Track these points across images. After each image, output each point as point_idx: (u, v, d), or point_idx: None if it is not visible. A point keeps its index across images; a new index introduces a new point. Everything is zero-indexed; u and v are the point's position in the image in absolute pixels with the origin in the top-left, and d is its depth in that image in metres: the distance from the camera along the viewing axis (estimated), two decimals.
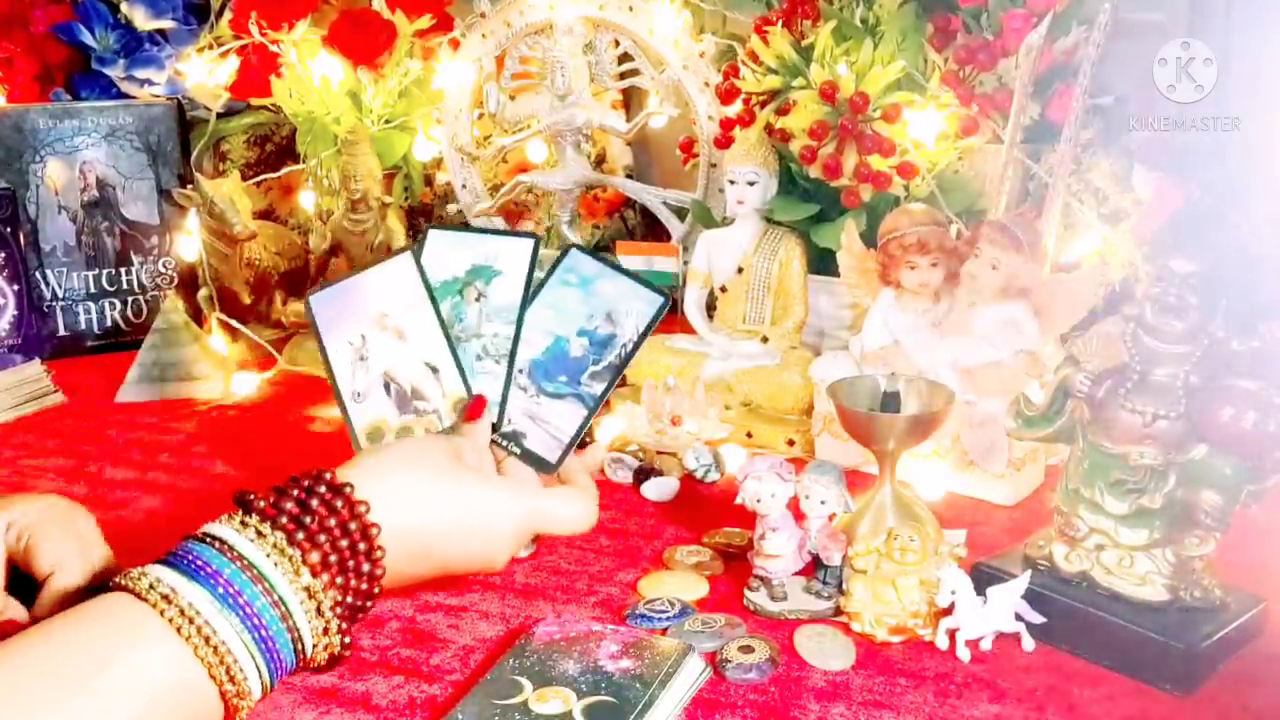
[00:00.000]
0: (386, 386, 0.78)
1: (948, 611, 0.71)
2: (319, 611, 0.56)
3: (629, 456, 1.00)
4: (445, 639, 0.73)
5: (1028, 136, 1.08)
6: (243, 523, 0.57)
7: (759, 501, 0.76)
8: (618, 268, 0.81)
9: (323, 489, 0.59)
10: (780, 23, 1.18)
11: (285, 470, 1.07)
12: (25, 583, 0.62)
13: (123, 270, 1.47)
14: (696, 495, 0.97)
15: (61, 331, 1.45)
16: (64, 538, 0.63)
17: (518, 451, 0.78)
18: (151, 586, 0.53)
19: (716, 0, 1.37)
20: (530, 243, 0.81)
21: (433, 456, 0.68)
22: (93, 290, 1.46)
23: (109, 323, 1.48)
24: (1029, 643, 0.70)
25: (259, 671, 0.54)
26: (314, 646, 0.57)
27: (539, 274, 0.82)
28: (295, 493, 0.59)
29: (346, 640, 0.58)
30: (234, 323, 1.37)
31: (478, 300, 0.80)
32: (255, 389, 1.28)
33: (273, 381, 1.32)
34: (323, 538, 0.57)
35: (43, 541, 0.62)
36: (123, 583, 0.54)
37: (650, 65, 1.32)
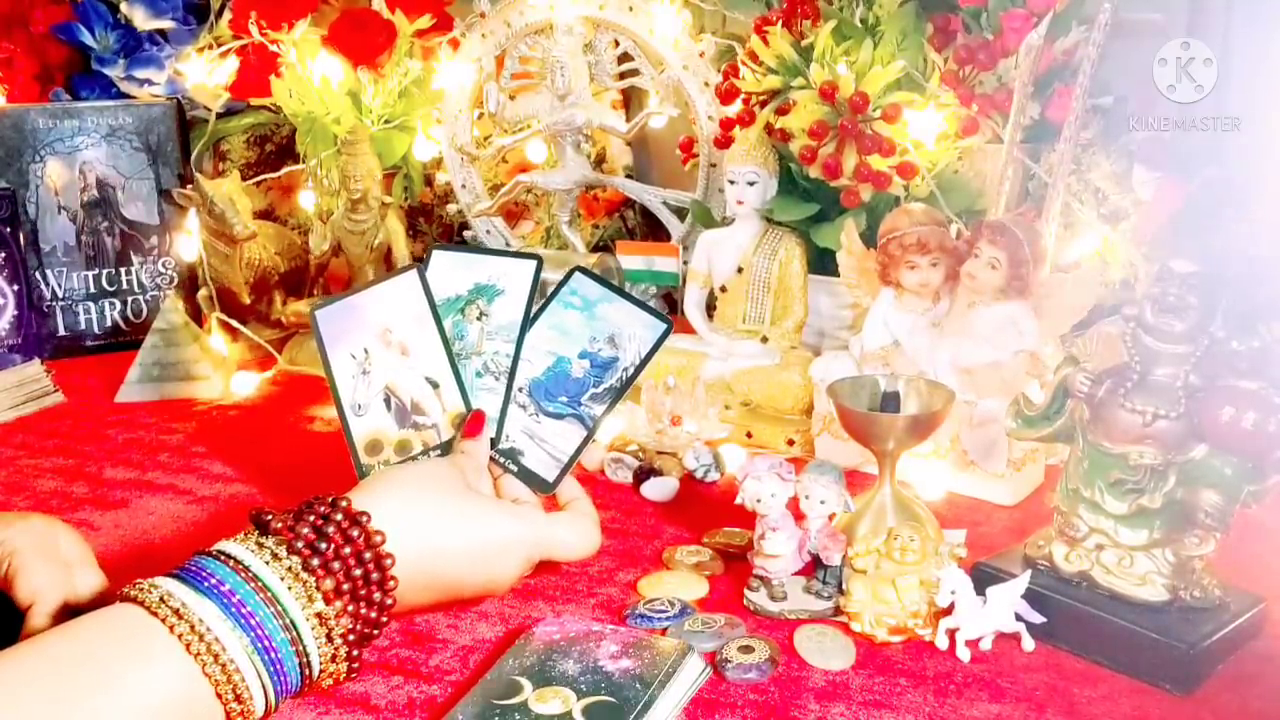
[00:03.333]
0: (387, 401, 0.78)
1: (948, 611, 0.71)
2: (329, 638, 0.56)
3: (629, 456, 1.00)
4: (444, 639, 0.73)
5: (1028, 136, 1.08)
6: (258, 543, 0.57)
7: (759, 501, 0.76)
8: (621, 292, 0.81)
9: (339, 516, 0.59)
10: (780, 23, 1.18)
11: (286, 470, 1.07)
12: (9, 605, 0.61)
13: (123, 270, 1.47)
14: (696, 495, 0.97)
15: (61, 331, 1.45)
16: (43, 566, 0.62)
17: (515, 469, 0.79)
18: (162, 600, 0.53)
19: (716, 0, 1.37)
20: (533, 264, 0.82)
21: (444, 483, 0.68)
22: (93, 290, 1.46)
23: (109, 323, 1.48)
24: (1029, 643, 0.70)
25: (265, 692, 0.54)
26: (321, 671, 0.57)
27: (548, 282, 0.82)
28: (312, 518, 0.59)
29: (355, 666, 0.59)
30: (234, 323, 1.37)
31: (479, 319, 0.81)
32: (255, 389, 1.28)
33: (273, 381, 1.32)
34: (337, 565, 0.57)
35: (20, 571, 0.61)
36: (131, 594, 0.54)
37: (650, 65, 1.32)
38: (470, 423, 0.78)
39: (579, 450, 0.79)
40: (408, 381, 0.79)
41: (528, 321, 0.81)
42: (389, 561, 0.60)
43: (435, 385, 0.79)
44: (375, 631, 0.60)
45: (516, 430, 0.80)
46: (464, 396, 0.79)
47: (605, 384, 0.79)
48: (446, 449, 0.78)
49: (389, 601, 0.60)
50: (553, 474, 0.78)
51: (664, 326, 0.80)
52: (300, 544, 0.57)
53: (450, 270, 0.82)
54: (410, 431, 0.78)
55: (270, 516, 0.59)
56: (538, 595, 0.79)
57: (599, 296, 0.81)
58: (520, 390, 0.80)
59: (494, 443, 0.79)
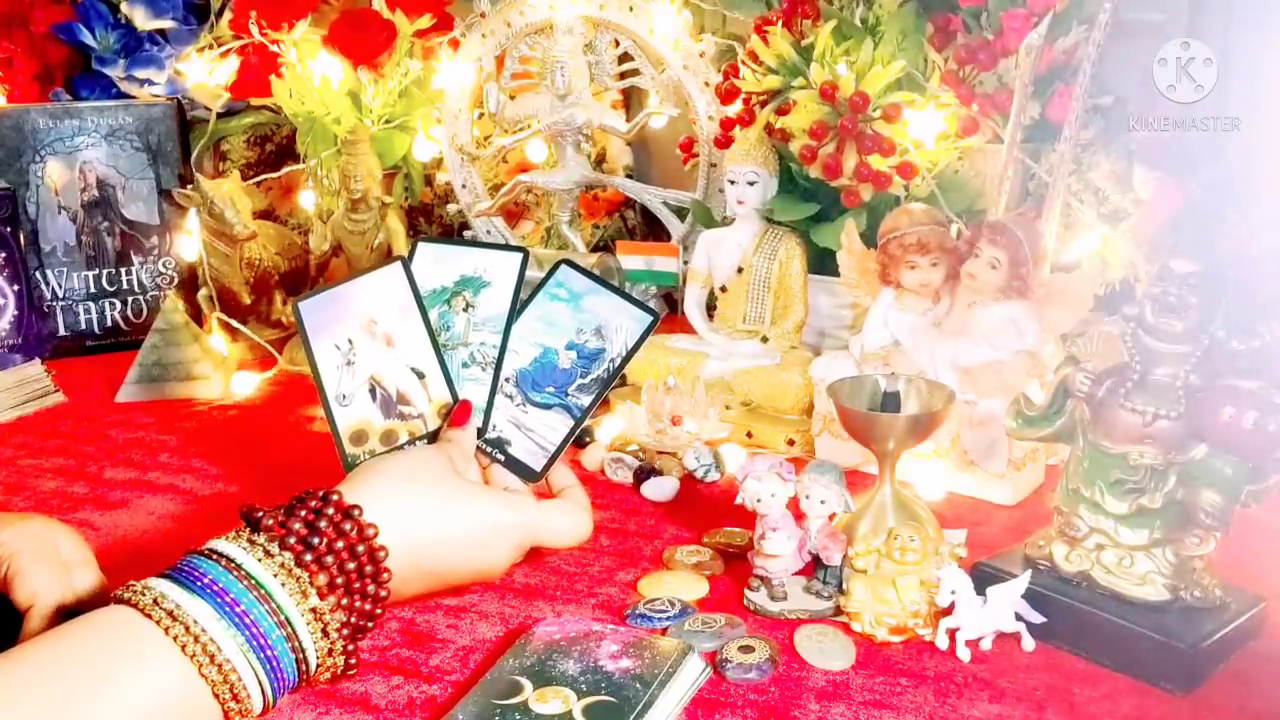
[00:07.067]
0: (372, 391, 0.79)
1: (948, 611, 0.70)
2: (324, 632, 0.56)
3: (629, 456, 1.00)
4: (445, 639, 0.73)
5: (1028, 136, 1.08)
6: (250, 540, 0.57)
7: (759, 501, 0.76)
8: (608, 284, 0.82)
9: (331, 511, 0.59)
10: (780, 23, 1.18)
11: (285, 470, 1.07)
12: (9, 607, 0.61)
13: (123, 270, 1.48)
14: (696, 495, 0.97)
15: (61, 331, 1.45)
16: (43, 568, 0.62)
17: (502, 458, 0.79)
18: (155, 602, 0.53)
19: (716, 0, 1.37)
20: (519, 256, 0.82)
21: (434, 471, 0.68)
22: (93, 290, 1.46)
23: (109, 323, 1.48)
24: (1029, 643, 0.70)
25: (262, 690, 0.54)
26: (318, 666, 0.57)
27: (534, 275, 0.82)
28: (303, 513, 0.59)
29: (353, 661, 0.59)
30: (234, 323, 1.38)
31: (465, 310, 0.81)
32: (255, 389, 1.28)
33: (273, 381, 1.32)
34: (330, 559, 0.57)
35: (20, 573, 0.61)
36: (124, 596, 0.54)
37: (650, 65, 1.32)
38: (457, 412, 0.78)
39: (567, 439, 0.79)
40: (393, 372, 0.79)
41: (514, 313, 0.81)
42: (382, 554, 0.60)
43: (421, 376, 0.79)
44: (370, 624, 0.60)
45: (503, 420, 0.80)
46: (450, 387, 0.79)
47: (592, 375, 0.80)
48: (433, 440, 0.78)
49: (383, 594, 0.60)
50: (539, 463, 0.79)
51: (650, 319, 0.80)
52: (292, 539, 0.57)
53: (436, 263, 0.82)
54: (396, 422, 0.78)
55: (261, 513, 0.59)
56: (538, 595, 0.79)
57: (585, 289, 0.82)
58: (507, 380, 0.81)
59: (481, 432, 0.79)
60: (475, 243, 0.91)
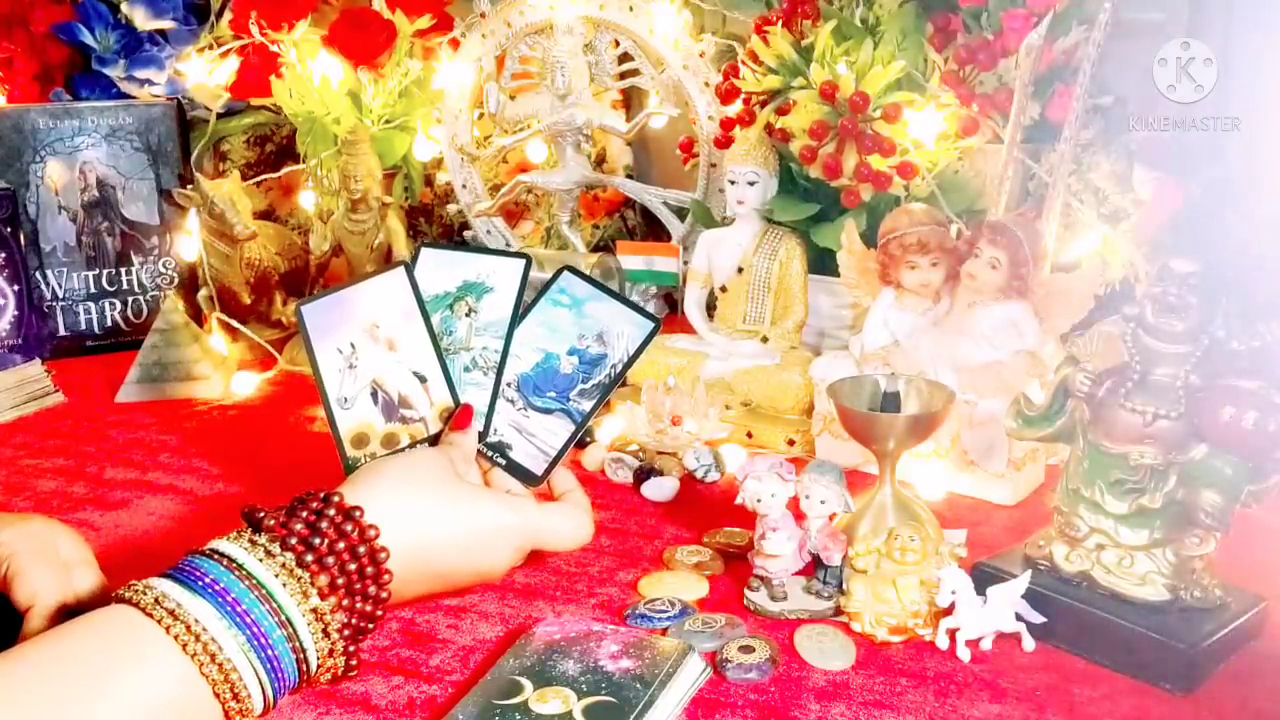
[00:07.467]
0: (374, 394, 0.79)
1: (948, 611, 0.71)
2: (325, 633, 0.56)
3: (629, 456, 1.00)
4: (445, 639, 0.73)
5: (1028, 136, 1.08)
6: (251, 541, 0.57)
7: (759, 501, 0.76)
8: (609, 291, 0.83)
9: (332, 512, 0.59)
10: (780, 23, 1.18)
11: (286, 471, 1.08)
12: (8, 607, 0.61)
13: (123, 270, 1.47)
14: (696, 495, 0.97)
15: (61, 331, 1.45)
16: (43, 568, 0.62)
17: (503, 462, 0.79)
18: (156, 601, 0.53)
19: (716, 0, 1.37)
20: (521, 262, 0.83)
21: (435, 473, 0.68)
22: (93, 290, 1.46)
23: (109, 323, 1.48)
24: (1029, 643, 0.70)
25: (262, 690, 0.54)
26: (318, 667, 0.57)
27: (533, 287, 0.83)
28: (304, 514, 0.59)
29: (353, 662, 0.59)
30: (234, 323, 1.37)
31: (468, 315, 0.81)
32: (255, 389, 1.28)
33: (273, 381, 1.32)
34: (331, 560, 0.57)
35: (19, 573, 0.61)
36: (125, 595, 0.54)
37: (650, 65, 1.32)
38: (459, 416, 0.78)
39: (568, 444, 0.79)
40: (395, 376, 0.79)
41: (517, 318, 0.82)
42: (383, 555, 0.60)
43: (423, 380, 0.80)
44: (370, 625, 0.60)
45: (504, 424, 0.80)
46: (452, 391, 0.80)
47: (594, 380, 0.80)
48: (434, 443, 0.79)
49: (384, 595, 0.60)
50: (540, 467, 0.79)
51: (651, 325, 0.81)
52: (293, 540, 0.57)
53: (439, 268, 0.83)
54: (397, 425, 0.79)
55: (263, 514, 0.59)
56: (538, 595, 0.79)
57: (587, 295, 0.82)
58: (509, 385, 0.81)
59: (482, 436, 0.79)
60: (478, 248, 0.92)
